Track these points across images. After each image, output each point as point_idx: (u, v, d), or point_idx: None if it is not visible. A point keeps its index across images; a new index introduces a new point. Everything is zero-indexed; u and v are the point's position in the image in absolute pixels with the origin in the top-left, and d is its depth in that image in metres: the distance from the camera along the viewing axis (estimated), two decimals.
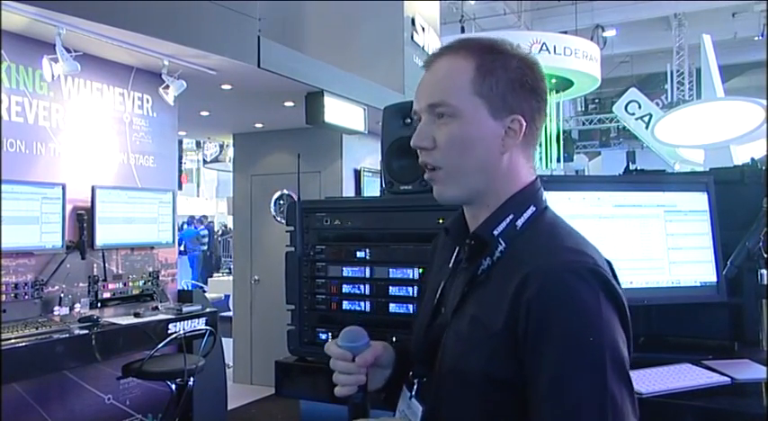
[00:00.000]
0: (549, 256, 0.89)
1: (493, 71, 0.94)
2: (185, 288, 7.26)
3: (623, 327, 0.89)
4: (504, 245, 0.95)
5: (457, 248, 1.04)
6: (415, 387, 1.02)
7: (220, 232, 15.05)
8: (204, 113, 5.56)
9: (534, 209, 0.97)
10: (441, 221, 1.83)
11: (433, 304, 1.04)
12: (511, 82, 0.94)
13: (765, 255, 1.89)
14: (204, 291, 6.50)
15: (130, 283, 3.96)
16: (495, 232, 0.95)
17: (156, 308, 3.83)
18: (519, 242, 0.94)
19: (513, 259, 0.93)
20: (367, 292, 2.16)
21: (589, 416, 0.81)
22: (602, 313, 0.85)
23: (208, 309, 4.02)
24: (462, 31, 13.26)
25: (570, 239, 0.94)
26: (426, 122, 0.97)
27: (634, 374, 1.63)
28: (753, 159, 2.35)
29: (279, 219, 6.00)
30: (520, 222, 0.96)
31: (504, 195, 0.97)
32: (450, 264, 1.04)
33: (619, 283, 0.92)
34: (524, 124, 0.95)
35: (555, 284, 0.86)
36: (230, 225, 12.31)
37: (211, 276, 11.82)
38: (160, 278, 4.16)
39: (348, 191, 5.87)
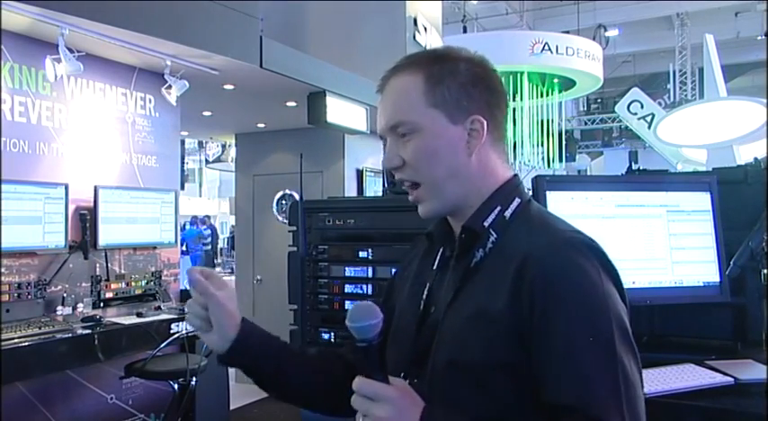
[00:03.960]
0: (545, 236, 0.93)
1: (442, 79, 0.96)
2: (188, 288, 7.25)
3: (623, 301, 0.92)
4: (495, 235, 0.97)
5: (440, 250, 1.06)
6: None
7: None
8: (206, 113, 5.57)
9: (519, 200, 0.99)
10: None
11: (419, 305, 1.03)
12: (462, 85, 0.96)
13: None
14: None
15: (133, 283, 3.96)
16: (486, 223, 0.97)
17: (159, 307, 3.84)
18: (510, 231, 0.97)
19: (508, 246, 0.95)
20: (369, 292, 2.16)
21: (603, 386, 0.83)
22: (603, 285, 0.88)
23: None
24: (464, 30, 13.25)
25: (562, 223, 0.98)
26: (392, 143, 1.00)
27: None
28: (756, 159, 2.34)
29: (281, 219, 6.01)
30: (508, 213, 0.98)
31: (487, 192, 0.99)
32: (435, 266, 1.05)
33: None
34: (485, 122, 0.97)
35: (557, 259, 0.88)
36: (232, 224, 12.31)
37: None
38: (162, 278, 4.16)
39: (350, 191, 5.87)
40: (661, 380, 1.61)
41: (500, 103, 1.00)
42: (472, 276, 0.96)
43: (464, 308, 0.94)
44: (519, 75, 10.75)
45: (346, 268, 2.20)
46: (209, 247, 13.47)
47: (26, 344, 2.91)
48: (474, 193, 0.99)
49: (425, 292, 1.04)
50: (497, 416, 0.89)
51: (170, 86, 3.92)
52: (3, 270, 3.26)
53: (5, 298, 3.22)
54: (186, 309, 1.02)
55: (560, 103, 12.60)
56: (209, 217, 15.17)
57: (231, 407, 4.63)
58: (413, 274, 1.11)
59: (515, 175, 1.02)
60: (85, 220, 3.68)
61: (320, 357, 1.14)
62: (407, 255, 1.19)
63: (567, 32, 12.63)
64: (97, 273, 3.78)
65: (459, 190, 0.98)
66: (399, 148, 0.98)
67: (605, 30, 13.94)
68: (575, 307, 0.86)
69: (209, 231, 13.70)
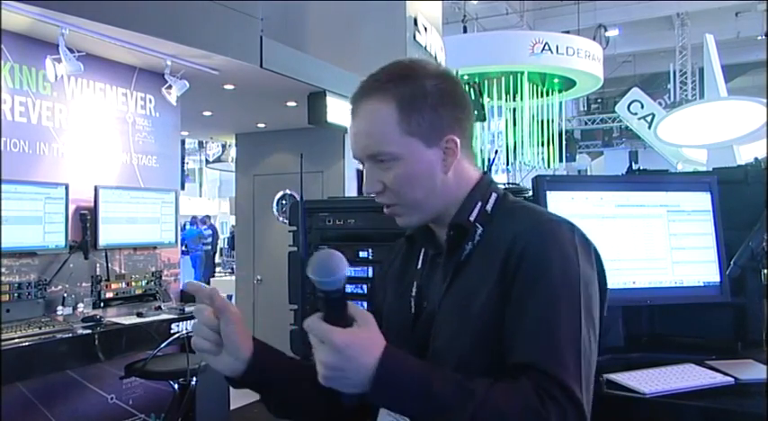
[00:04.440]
0: (530, 220, 0.99)
1: (414, 106, 0.99)
2: (187, 289, 7.23)
3: (600, 280, 0.98)
4: (481, 228, 1.02)
5: (422, 250, 1.11)
6: None
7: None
8: (207, 113, 5.57)
9: (496, 195, 1.06)
10: None
11: (409, 304, 1.07)
12: (433, 107, 1.00)
13: None
14: None
15: (133, 283, 3.96)
16: (471, 218, 1.03)
17: (159, 307, 3.83)
18: (494, 223, 1.02)
19: (494, 235, 1.00)
20: None
21: (567, 352, 0.88)
22: (579, 262, 0.94)
23: None
24: (465, 30, 13.25)
25: (543, 210, 1.06)
26: (371, 169, 1.03)
27: (637, 374, 1.64)
28: (756, 159, 2.34)
29: (281, 219, 6.01)
30: (489, 207, 1.04)
31: (462, 195, 1.05)
32: (419, 266, 1.10)
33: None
34: (458, 140, 1.02)
35: (539, 237, 0.95)
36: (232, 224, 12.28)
37: (213, 276, 11.84)
38: (163, 278, 4.16)
39: (350, 191, 5.87)
40: (661, 380, 1.61)
41: (468, 114, 1.05)
42: (463, 268, 1.01)
43: (459, 297, 0.99)
44: (519, 75, 10.76)
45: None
46: (210, 247, 13.44)
47: (26, 344, 2.91)
48: (452, 202, 1.04)
49: (414, 291, 1.08)
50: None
51: (170, 86, 3.92)
52: (3, 270, 3.26)
53: (6, 298, 3.23)
54: (194, 333, 0.98)
55: (560, 103, 12.60)
56: (209, 217, 15.15)
57: (231, 407, 4.63)
58: (396, 276, 1.15)
59: (485, 173, 1.09)
60: (86, 220, 3.68)
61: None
62: (386, 259, 1.22)
63: (568, 32, 12.64)
64: (97, 273, 3.78)
65: (440, 203, 1.03)
66: (379, 174, 1.02)
67: (605, 30, 13.95)
68: (551, 280, 0.92)
69: (209, 231, 13.67)
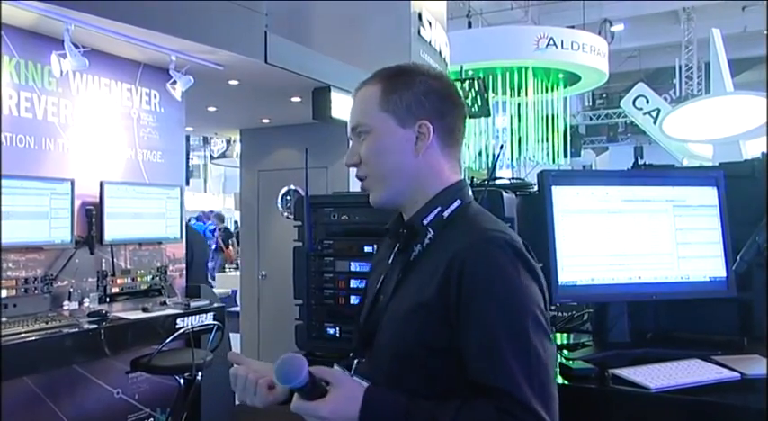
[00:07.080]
0: (471, 235, 1.03)
1: (395, 89, 1.10)
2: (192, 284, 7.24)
3: (541, 291, 1.03)
4: (432, 233, 1.09)
5: (396, 245, 1.17)
6: (354, 366, 1.11)
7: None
8: (211, 109, 5.57)
9: (460, 202, 1.11)
10: None
11: (374, 295, 1.16)
12: (414, 94, 1.09)
13: None
14: (212, 287, 6.52)
15: (139, 278, 3.97)
16: (425, 222, 1.10)
17: (164, 303, 3.85)
18: (447, 230, 1.08)
19: (441, 243, 1.07)
20: None
21: (515, 368, 0.94)
22: (520, 278, 0.99)
23: (215, 304, 4.04)
24: (469, 26, 13.21)
25: (490, 223, 1.08)
26: (353, 144, 1.14)
27: (642, 369, 1.64)
28: (763, 154, 2.32)
29: (286, 214, 6.01)
30: (446, 213, 1.10)
31: (432, 193, 1.11)
32: (390, 260, 1.17)
33: (534, 258, 1.06)
34: (431, 127, 1.09)
35: (478, 256, 0.99)
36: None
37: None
38: (168, 273, 4.17)
39: (355, 186, 5.79)
40: (667, 375, 1.61)
41: (453, 111, 1.12)
42: (411, 270, 1.08)
43: (403, 298, 1.06)
44: (524, 70, 10.72)
45: (351, 263, 2.20)
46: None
47: (33, 338, 2.93)
48: (419, 192, 1.11)
49: (379, 283, 1.16)
50: (434, 394, 0.98)
51: (175, 82, 3.92)
52: (10, 265, 3.27)
53: (12, 292, 3.24)
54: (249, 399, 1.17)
55: (565, 99, 12.56)
56: (212, 212, 15.17)
57: (236, 402, 4.65)
58: (378, 262, 1.25)
59: (461, 180, 1.14)
60: (91, 216, 3.69)
61: None
62: (381, 246, 1.31)
63: (573, 27, 12.57)
64: (103, 269, 3.79)
65: (403, 185, 1.10)
66: (358, 148, 1.12)
67: (611, 24, 13.89)
68: (493, 299, 0.97)
69: (213, 227, 13.69)
